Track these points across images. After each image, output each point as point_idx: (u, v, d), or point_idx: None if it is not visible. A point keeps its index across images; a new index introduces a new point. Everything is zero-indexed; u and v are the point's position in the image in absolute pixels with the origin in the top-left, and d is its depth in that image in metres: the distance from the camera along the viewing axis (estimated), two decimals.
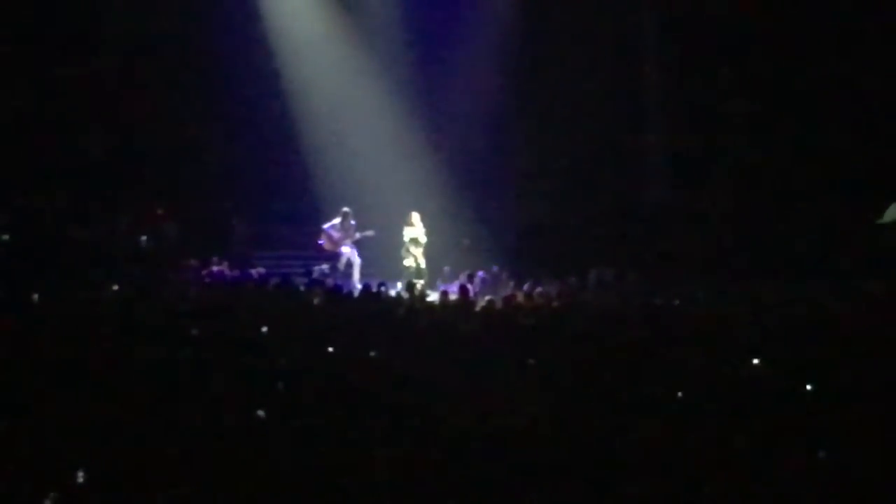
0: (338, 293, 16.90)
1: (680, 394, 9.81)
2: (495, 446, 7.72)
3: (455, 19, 24.86)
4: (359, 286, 19.24)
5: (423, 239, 20.99)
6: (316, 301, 16.13)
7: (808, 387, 10.35)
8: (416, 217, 20.97)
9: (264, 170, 23.52)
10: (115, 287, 16.99)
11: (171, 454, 7.65)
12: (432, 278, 20.57)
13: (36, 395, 9.10)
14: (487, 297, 17.09)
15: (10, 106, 23.06)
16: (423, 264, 20.78)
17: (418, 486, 7.28)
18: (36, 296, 15.43)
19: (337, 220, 21.09)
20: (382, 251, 21.36)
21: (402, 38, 24.57)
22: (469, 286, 17.80)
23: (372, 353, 11.76)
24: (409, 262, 20.75)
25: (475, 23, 24.84)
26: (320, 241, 21.30)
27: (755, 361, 11.65)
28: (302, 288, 17.63)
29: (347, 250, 21.05)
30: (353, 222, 21.03)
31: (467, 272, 19.56)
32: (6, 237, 20.62)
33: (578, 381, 10.41)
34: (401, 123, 23.57)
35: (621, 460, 7.73)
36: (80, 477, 7.09)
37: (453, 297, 17.00)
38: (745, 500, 6.99)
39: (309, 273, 19.86)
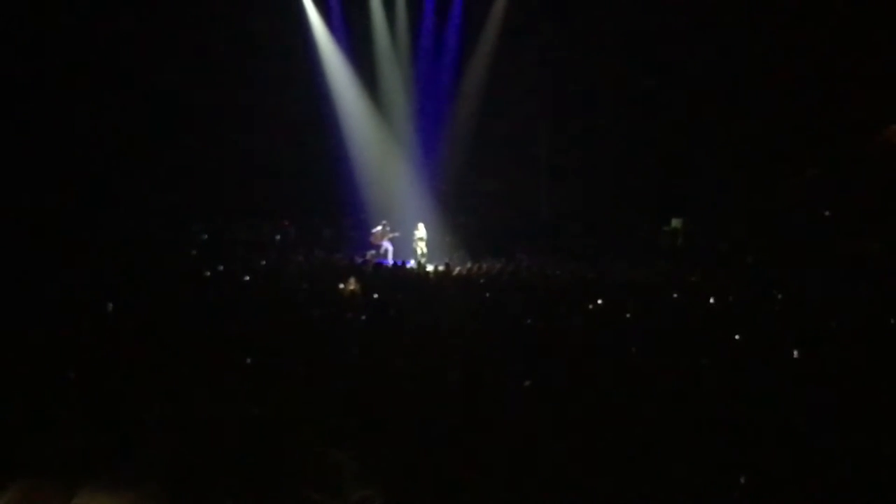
0: (379, 266, 17.48)
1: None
2: (457, 337, 8.54)
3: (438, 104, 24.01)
4: (391, 262, 19.61)
5: (425, 238, 21.26)
6: (369, 269, 16.58)
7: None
8: (421, 225, 21.36)
9: (340, 199, 23.13)
10: (263, 262, 17.52)
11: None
12: (431, 258, 20.64)
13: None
14: (458, 268, 17.68)
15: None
16: (425, 251, 21.06)
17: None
18: (221, 267, 15.80)
19: (379, 228, 21.49)
20: (404, 244, 21.48)
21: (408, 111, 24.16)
22: (449, 263, 18.34)
23: (398, 296, 12.57)
24: (418, 250, 21.15)
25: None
26: (370, 239, 21.61)
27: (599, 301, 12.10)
28: (360, 263, 18.18)
29: (386, 244, 21.43)
30: (388, 228, 21.45)
31: (449, 255, 20.13)
32: (205, 236, 20.54)
33: (500, 305, 11.66)
34: (412, 171, 23.62)
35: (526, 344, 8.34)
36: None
37: (441, 268, 17.59)
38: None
39: (363, 256, 20.30)
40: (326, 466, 3.28)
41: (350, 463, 2.93)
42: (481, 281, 15.40)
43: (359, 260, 18.94)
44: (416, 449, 4.65)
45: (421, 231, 21.55)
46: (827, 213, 19.02)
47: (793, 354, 7.92)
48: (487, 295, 13.25)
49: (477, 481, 4.30)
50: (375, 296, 12.69)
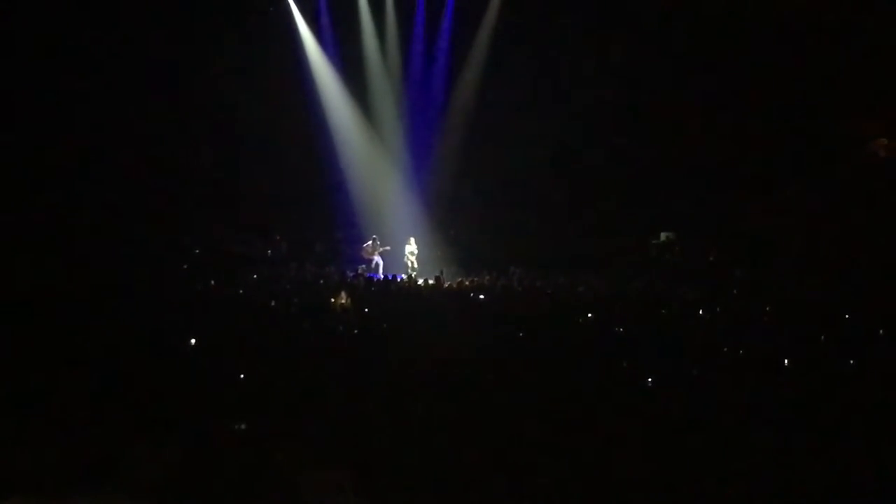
0: (371, 280, 17.78)
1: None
2: (444, 355, 8.36)
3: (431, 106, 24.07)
4: (382, 276, 19.85)
5: (416, 252, 21.26)
6: (361, 283, 16.74)
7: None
8: (412, 240, 21.38)
9: (333, 215, 23.06)
10: (255, 276, 17.49)
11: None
12: (422, 272, 20.51)
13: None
14: (449, 282, 17.79)
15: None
16: (416, 265, 21.06)
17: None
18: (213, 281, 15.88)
19: (370, 242, 21.44)
20: (395, 258, 21.52)
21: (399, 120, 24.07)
22: (440, 276, 18.33)
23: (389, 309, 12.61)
24: (409, 264, 21.14)
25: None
26: (361, 254, 21.54)
27: (589, 315, 12.42)
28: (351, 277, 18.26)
29: (377, 258, 21.34)
30: (378, 243, 21.37)
31: (440, 269, 19.67)
32: (197, 251, 20.31)
33: (491, 318, 11.93)
34: (403, 186, 23.62)
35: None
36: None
37: (431, 281, 17.74)
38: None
39: (355, 271, 20.22)
40: (324, 485, 3.23)
41: (347, 482, 2.88)
42: (472, 294, 15.40)
43: (350, 274, 18.91)
44: (413, 469, 4.63)
45: (412, 245, 21.58)
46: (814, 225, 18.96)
47: (783, 364, 7.96)
48: (479, 308, 13.29)
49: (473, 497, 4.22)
50: (366, 310, 12.67)
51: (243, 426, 5.19)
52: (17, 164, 18.31)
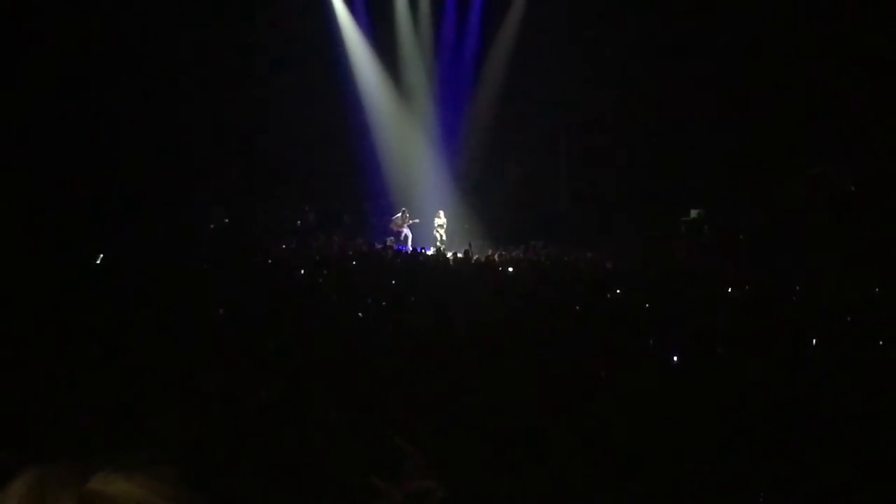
0: (399, 252, 17.73)
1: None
2: (475, 321, 8.29)
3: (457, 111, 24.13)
4: (410, 249, 19.94)
5: (445, 225, 21.63)
6: (389, 255, 16.83)
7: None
8: (441, 213, 21.75)
9: (361, 187, 23.24)
10: (283, 246, 17.85)
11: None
12: (450, 246, 20.84)
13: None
14: (477, 256, 17.82)
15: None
16: (445, 238, 21.44)
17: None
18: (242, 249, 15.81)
19: (399, 215, 21.80)
20: (424, 231, 21.91)
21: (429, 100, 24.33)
22: (469, 250, 18.33)
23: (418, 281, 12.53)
24: (437, 237, 21.53)
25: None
26: (390, 226, 21.90)
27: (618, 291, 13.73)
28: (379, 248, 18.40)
29: (406, 230, 21.76)
30: (408, 215, 21.75)
31: (468, 242, 19.79)
32: (227, 220, 20.79)
33: (518, 291, 11.74)
34: (433, 159, 23.76)
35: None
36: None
37: (460, 255, 17.61)
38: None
39: (384, 242, 20.39)
40: (388, 453, 3.11)
41: (412, 452, 2.77)
42: (500, 269, 15.38)
43: (378, 246, 19.00)
44: (482, 440, 4.56)
45: (441, 218, 21.78)
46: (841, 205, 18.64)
47: (811, 343, 7.81)
48: (508, 283, 13.26)
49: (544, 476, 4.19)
50: (393, 282, 12.60)
51: (269, 395, 5.09)
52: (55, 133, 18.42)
